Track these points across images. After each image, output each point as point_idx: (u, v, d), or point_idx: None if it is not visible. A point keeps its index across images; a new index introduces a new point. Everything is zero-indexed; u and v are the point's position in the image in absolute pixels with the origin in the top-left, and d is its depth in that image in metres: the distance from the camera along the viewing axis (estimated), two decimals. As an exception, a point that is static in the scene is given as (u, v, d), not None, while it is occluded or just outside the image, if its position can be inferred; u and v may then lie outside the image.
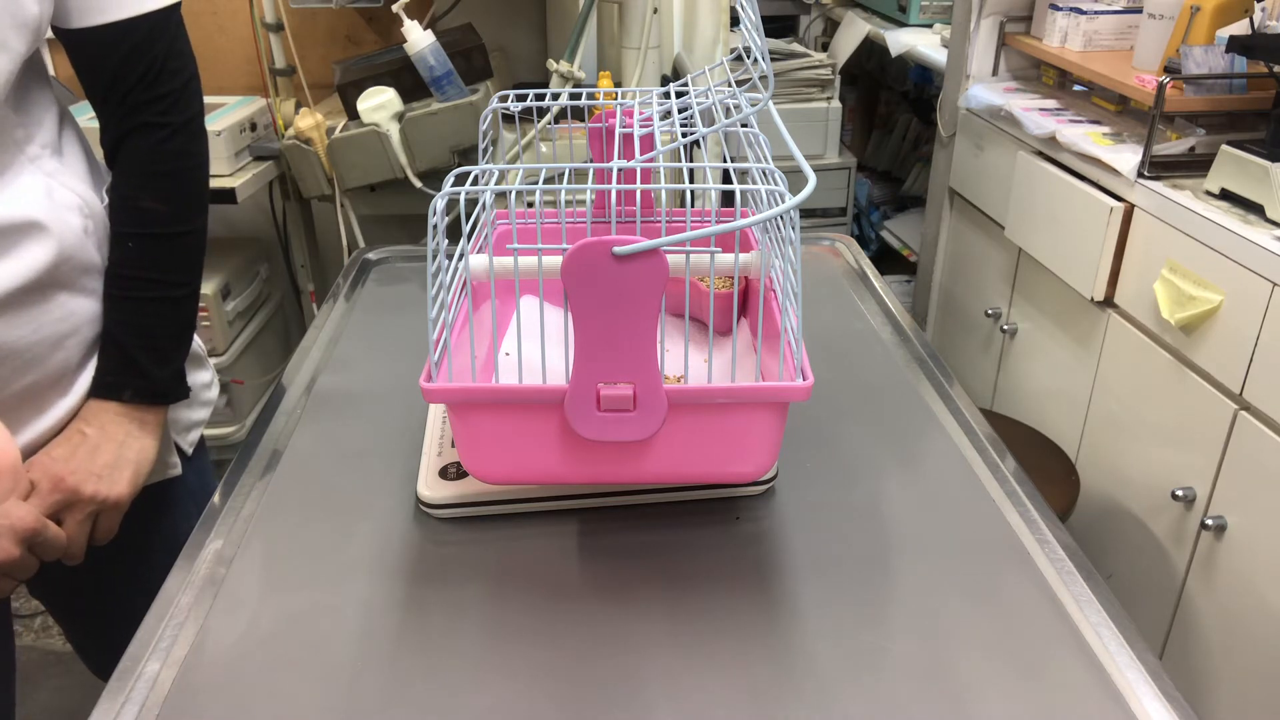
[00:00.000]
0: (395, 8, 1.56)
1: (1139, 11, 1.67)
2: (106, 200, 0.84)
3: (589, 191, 0.62)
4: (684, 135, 0.72)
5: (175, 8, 0.83)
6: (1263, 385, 1.25)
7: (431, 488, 0.71)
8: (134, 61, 0.81)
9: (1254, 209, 1.31)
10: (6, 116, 0.77)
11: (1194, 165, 1.44)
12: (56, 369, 0.81)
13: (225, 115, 1.72)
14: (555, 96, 1.38)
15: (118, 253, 0.83)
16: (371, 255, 1.18)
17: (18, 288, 0.76)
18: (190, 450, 0.96)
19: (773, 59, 2.30)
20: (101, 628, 0.99)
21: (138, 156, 0.84)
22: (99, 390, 0.83)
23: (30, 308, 0.78)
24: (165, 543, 0.93)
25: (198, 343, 0.95)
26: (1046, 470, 1.54)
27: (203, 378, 0.97)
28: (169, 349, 0.86)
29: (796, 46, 2.54)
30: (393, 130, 1.60)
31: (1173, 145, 1.46)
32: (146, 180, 0.84)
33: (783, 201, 0.57)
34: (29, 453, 0.80)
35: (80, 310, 0.82)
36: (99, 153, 0.87)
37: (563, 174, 0.72)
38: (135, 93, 0.82)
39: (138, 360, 0.83)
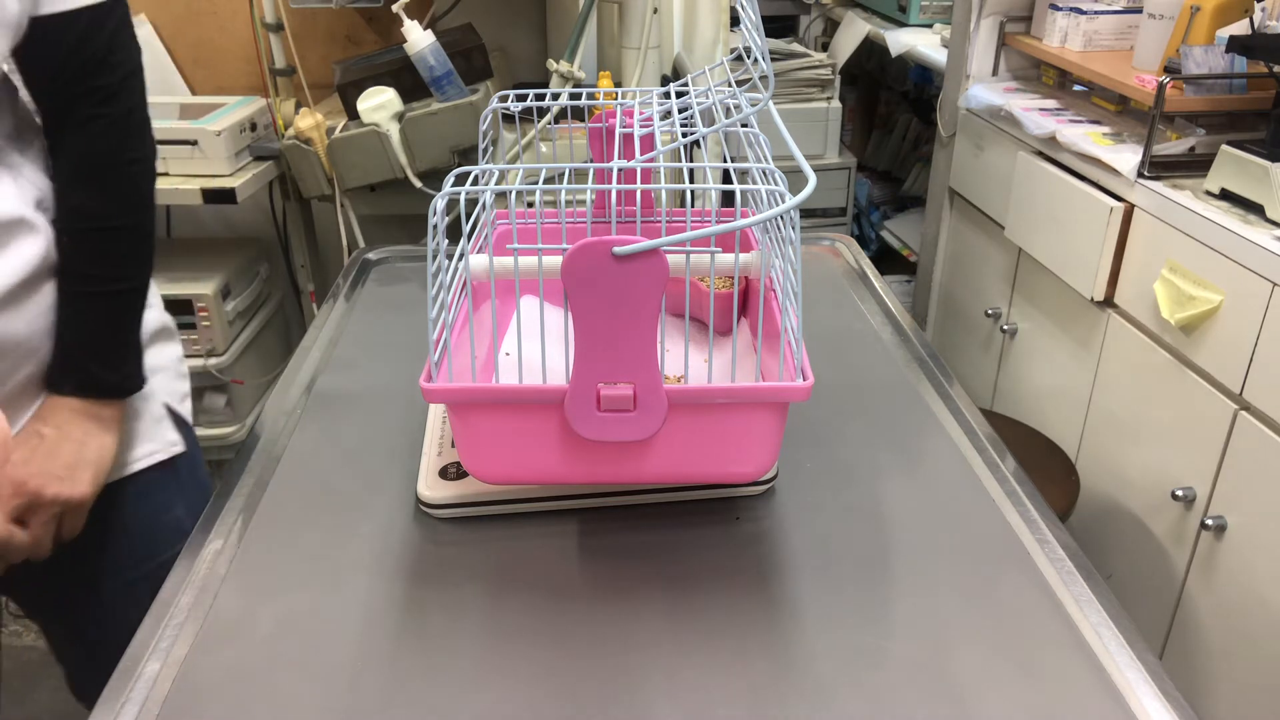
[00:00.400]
0: (395, 8, 1.56)
1: (1139, 11, 1.67)
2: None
3: (589, 191, 0.62)
4: (684, 135, 0.72)
5: (121, 1, 0.83)
6: (1263, 385, 1.25)
7: (431, 488, 0.71)
8: (77, 52, 0.80)
9: (1254, 209, 1.31)
10: None
11: (1194, 165, 1.44)
12: (49, 358, 0.82)
13: (225, 115, 1.72)
14: (555, 96, 1.38)
15: (59, 247, 0.83)
16: (371, 255, 1.18)
17: (16, 282, 0.78)
18: (189, 418, 0.97)
19: (773, 59, 2.29)
20: (83, 626, 0.99)
21: (73, 152, 0.83)
22: (49, 386, 0.83)
23: (25, 301, 0.79)
24: (164, 529, 0.94)
25: (165, 319, 0.96)
26: (1046, 470, 1.54)
27: (174, 351, 0.97)
28: (113, 344, 0.86)
29: (796, 46, 2.54)
30: (393, 130, 1.60)
31: (1173, 145, 1.46)
32: (82, 176, 0.83)
33: (783, 201, 0.57)
34: None
35: None
36: None
37: (563, 174, 0.72)
38: (73, 85, 0.81)
39: (80, 355, 0.83)
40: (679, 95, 0.83)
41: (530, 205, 1.06)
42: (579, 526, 0.70)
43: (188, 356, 1.11)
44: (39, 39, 0.79)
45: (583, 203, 1.36)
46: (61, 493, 0.80)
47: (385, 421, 0.83)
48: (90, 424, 0.83)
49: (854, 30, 2.58)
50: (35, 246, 0.80)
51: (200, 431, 1.30)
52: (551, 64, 1.63)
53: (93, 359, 0.84)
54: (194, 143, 1.65)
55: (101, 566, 0.92)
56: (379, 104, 1.59)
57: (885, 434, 0.81)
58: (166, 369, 0.95)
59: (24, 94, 0.84)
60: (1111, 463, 1.59)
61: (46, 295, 0.81)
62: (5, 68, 0.79)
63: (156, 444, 0.93)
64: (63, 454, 0.81)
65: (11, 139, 0.81)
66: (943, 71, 2.10)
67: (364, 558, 0.67)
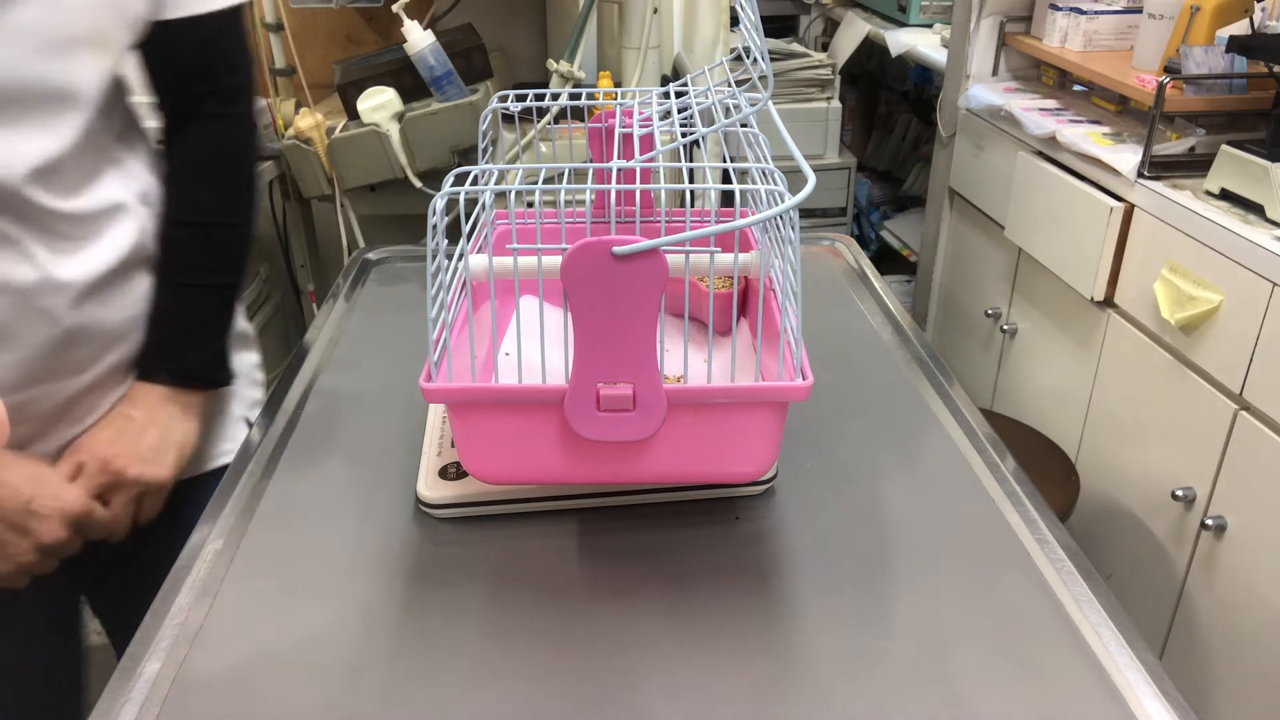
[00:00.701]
0: (395, 8, 1.56)
1: (1139, 11, 1.67)
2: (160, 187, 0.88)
3: (589, 191, 0.62)
4: (684, 135, 0.72)
5: (248, 4, 0.88)
6: (1263, 385, 1.25)
7: (431, 488, 0.71)
8: (207, 53, 0.85)
9: (1254, 209, 1.31)
10: (108, 112, 0.81)
11: (1194, 165, 1.44)
12: (136, 346, 0.85)
13: (225, 115, 1.72)
14: (555, 96, 1.38)
15: (166, 239, 0.86)
16: (371, 255, 1.18)
17: (110, 269, 0.81)
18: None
19: (773, 59, 2.30)
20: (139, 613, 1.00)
21: (196, 146, 0.87)
22: (141, 372, 0.86)
23: (118, 287, 0.82)
24: None
25: (245, 325, 0.99)
26: (1046, 470, 1.54)
27: (251, 359, 1.00)
28: (209, 336, 0.89)
29: (796, 46, 2.54)
30: (393, 130, 1.60)
31: (1173, 145, 1.46)
32: (202, 169, 0.88)
33: (782, 201, 0.57)
34: None
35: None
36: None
37: (562, 174, 0.72)
38: (202, 84, 0.86)
39: (177, 345, 0.87)
40: (679, 95, 0.83)
41: (530, 205, 1.06)
42: (579, 526, 0.70)
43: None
44: (165, 40, 0.82)
45: (582, 203, 1.36)
46: (145, 473, 0.83)
47: (385, 421, 0.83)
48: (176, 409, 0.86)
49: (854, 30, 2.58)
50: (130, 235, 0.82)
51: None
52: (551, 64, 1.63)
53: (189, 349, 0.87)
54: (194, 143, 1.65)
55: (169, 563, 0.94)
56: (379, 104, 1.59)
57: (885, 434, 0.81)
58: (243, 375, 0.97)
59: (133, 96, 0.87)
60: (1111, 463, 1.59)
61: (137, 285, 0.84)
62: (118, 73, 0.82)
63: (233, 445, 0.94)
64: (149, 437, 0.84)
65: (119, 137, 0.84)
66: (943, 71, 2.10)
67: (364, 558, 0.67)
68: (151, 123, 0.89)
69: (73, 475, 0.80)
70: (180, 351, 0.87)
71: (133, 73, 0.85)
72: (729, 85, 0.78)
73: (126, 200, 0.82)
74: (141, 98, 0.88)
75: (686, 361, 0.64)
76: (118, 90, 0.83)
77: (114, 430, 0.83)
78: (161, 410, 0.85)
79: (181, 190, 0.87)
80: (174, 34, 0.82)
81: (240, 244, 0.90)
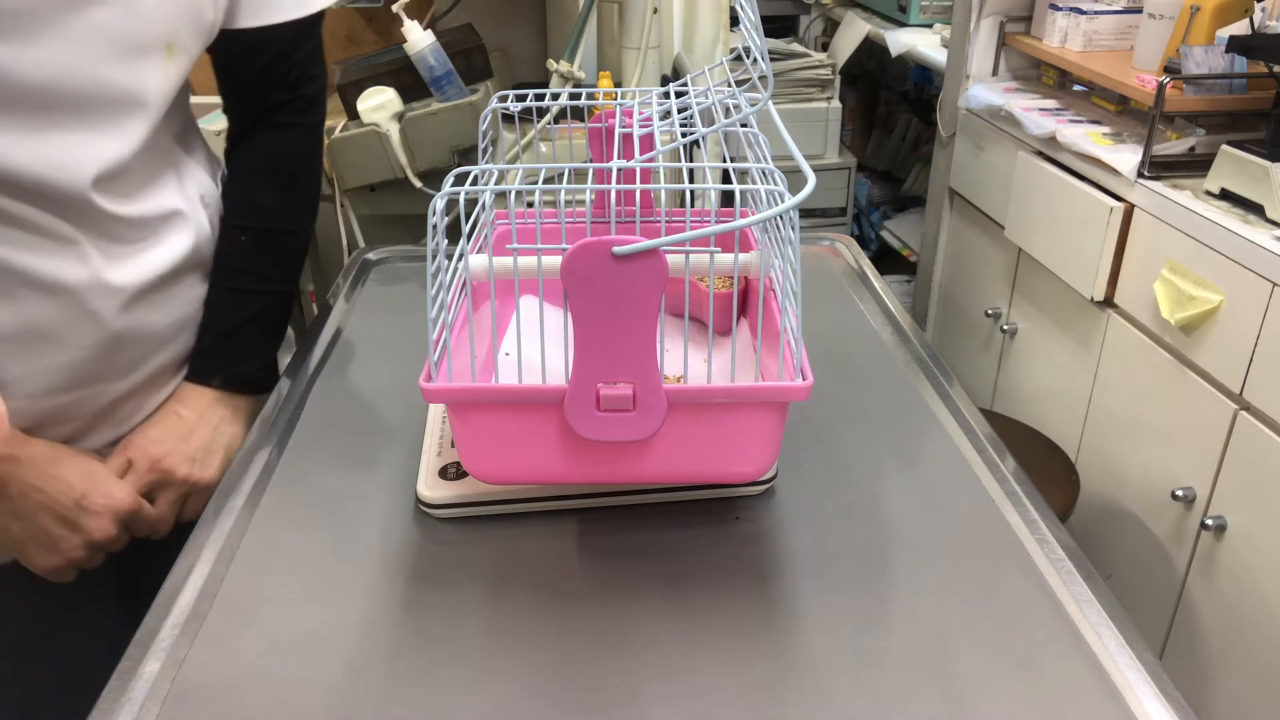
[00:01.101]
0: (395, 8, 1.56)
1: (1139, 11, 1.67)
2: (220, 191, 0.88)
3: (589, 191, 0.62)
4: (684, 135, 0.72)
5: (324, 14, 0.87)
6: (1263, 385, 1.25)
7: (431, 488, 0.71)
8: (282, 62, 0.85)
9: (1254, 209, 1.31)
10: (169, 123, 0.81)
11: (1194, 165, 1.44)
12: (182, 350, 0.86)
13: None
14: (555, 96, 1.38)
15: (228, 244, 0.87)
16: (371, 255, 1.18)
17: (163, 274, 0.81)
18: None
19: (772, 59, 2.30)
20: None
21: (265, 153, 0.88)
22: (193, 374, 0.86)
23: (168, 292, 0.82)
24: None
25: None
26: (1046, 470, 1.54)
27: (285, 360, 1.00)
28: (263, 341, 0.90)
29: (796, 46, 2.54)
30: (393, 130, 1.60)
31: (1173, 145, 1.46)
32: (270, 177, 0.88)
33: (782, 201, 0.57)
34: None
35: (202, 295, 0.86)
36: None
37: (562, 174, 0.72)
38: (276, 92, 0.86)
39: (234, 349, 0.87)
40: (679, 95, 0.83)
41: (530, 205, 1.06)
42: (579, 526, 0.70)
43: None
44: (239, 47, 0.82)
45: (582, 203, 1.36)
46: (192, 474, 0.83)
47: (385, 421, 0.83)
48: (226, 412, 0.87)
49: (854, 30, 2.58)
50: (185, 241, 0.82)
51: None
52: (551, 64, 1.63)
53: (244, 353, 0.88)
54: (194, 143, 1.65)
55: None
56: (379, 104, 1.59)
57: (885, 434, 0.81)
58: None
59: (190, 95, 0.87)
60: (1111, 463, 1.59)
61: (188, 288, 0.84)
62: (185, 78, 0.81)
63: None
64: (198, 438, 0.84)
65: (179, 139, 0.84)
66: (943, 71, 2.10)
67: (364, 558, 0.67)
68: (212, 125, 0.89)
69: (122, 472, 0.81)
70: (236, 357, 0.87)
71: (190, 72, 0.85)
72: (729, 85, 0.78)
73: (183, 205, 0.82)
74: (199, 97, 0.88)
75: (686, 361, 0.64)
76: (180, 92, 0.83)
77: (164, 429, 0.83)
78: (212, 412, 0.86)
79: (247, 196, 0.87)
80: (248, 42, 0.82)
81: (299, 252, 0.91)
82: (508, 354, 0.76)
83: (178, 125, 0.84)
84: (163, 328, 0.82)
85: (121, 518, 0.79)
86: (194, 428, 0.85)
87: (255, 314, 0.88)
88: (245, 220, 0.87)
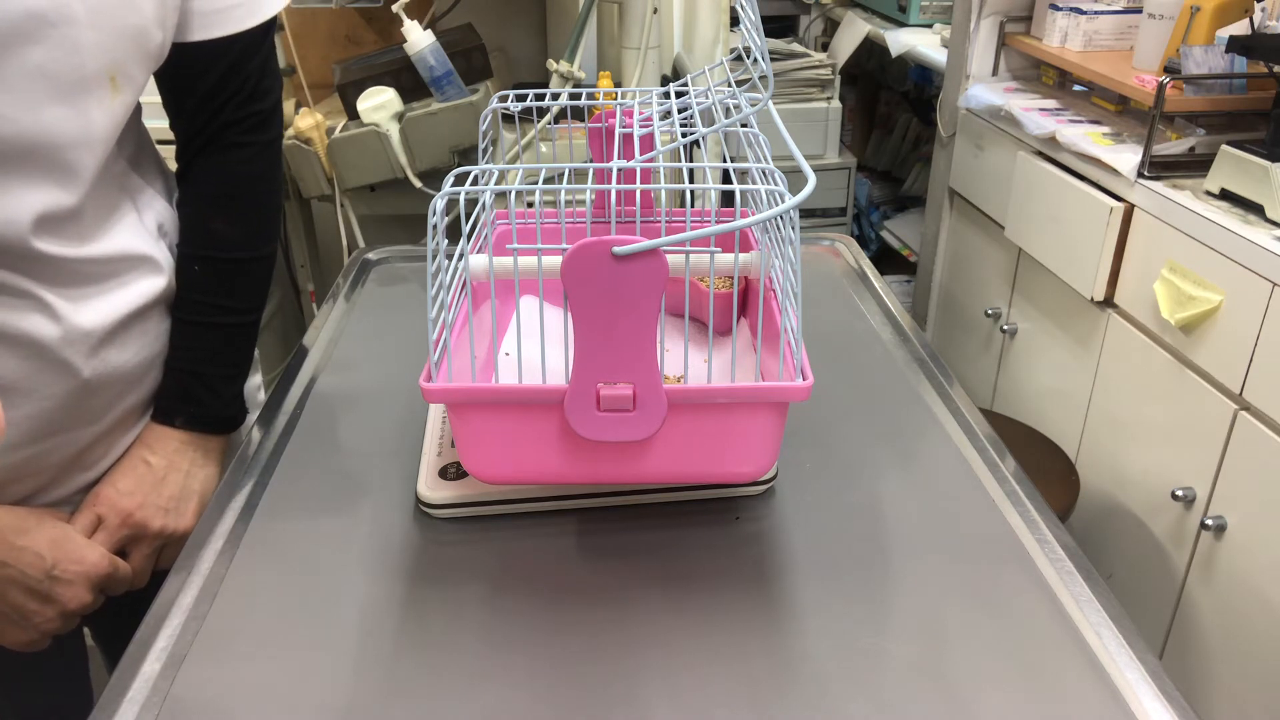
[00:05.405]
0: (395, 8, 1.56)
1: (1139, 11, 1.67)
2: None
3: (589, 191, 0.62)
4: (684, 135, 0.72)
5: (273, 23, 0.81)
6: (1263, 385, 1.25)
7: (431, 488, 0.71)
8: (232, 77, 0.79)
9: (1254, 209, 1.31)
10: (121, 148, 0.76)
11: (1194, 165, 1.45)
12: (150, 389, 0.81)
13: (225, 115, 1.72)
14: (555, 96, 1.38)
15: (186, 276, 0.81)
16: (371, 255, 1.18)
17: (130, 312, 0.76)
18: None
19: (773, 59, 2.30)
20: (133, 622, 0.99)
21: (219, 176, 0.82)
22: (158, 414, 0.82)
23: (136, 329, 0.78)
24: None
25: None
26: (1046, 470, 1.54)
27: (255, 380, 0.96)
28: (228, 376, 0.85)
29: (796, 46, 2.54)
30: (393, 130, 1.60)
31: (1173, 145, 1.46)
32: (222, 201, 0.82)
33: (782, 201, 0.57)
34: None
35: (167, 331, 0.82)
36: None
37: (563, 174, 0.72)
38: (227, 110, 0.79)
39: (195, 387, 0.82)
40: (679, 95, 0.83)
41: (530, 205, 1.06)
42: (579, 526, 0.70)
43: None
44: (187, 64, 0.76)
45: (582, 203, 1.36)
46: (168, 525, 0.80)
47: (385, 421, 0.83)
48: (197, 455, 0.82)
49: (854, 30, 2.58)
50: (150, 275, 0.78)
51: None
52: (551, 64, 1.63)
53: (207, 392, 0.83)
54: (194, 143, 1.65)
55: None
56: (379, 104, 1.59)
57: (885, 434, 0.81)
58: (248, 397, 0.92)
59: (140, 113, 0.82)
60: (1111, 463, 1.59)
61: (154, 326, 0.80)
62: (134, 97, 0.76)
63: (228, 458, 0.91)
64: (169, 486, 0.80)
65: (132, 162, 0.79)
66: (943, 71, 2.10)
67: (364, 558, 0.67)
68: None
69: (91, 529, 0.77)
70: (200, 394, 0.82)
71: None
72: (729, 85, 0.78)
73: (143, 238, 0.77)
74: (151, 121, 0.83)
75: (686, 361, 0.64)
76: (131, 115, 0.77)
77: (133, 479, 0.79)
78: (181, 457, 0.81)
79: (201, 223, 0.81)
80: (197, 57, 0.76)
81: (262, 276, 0.85)
82: (508, 354, 0.76)
83: (130, 148, 0.79)
84: (132, 368, 0.78)
85: (96, 583, 0.75)
86: (165, 475, 0.80)
87: (219, 348, 0.83)
88: (199, 250, 0.81)
